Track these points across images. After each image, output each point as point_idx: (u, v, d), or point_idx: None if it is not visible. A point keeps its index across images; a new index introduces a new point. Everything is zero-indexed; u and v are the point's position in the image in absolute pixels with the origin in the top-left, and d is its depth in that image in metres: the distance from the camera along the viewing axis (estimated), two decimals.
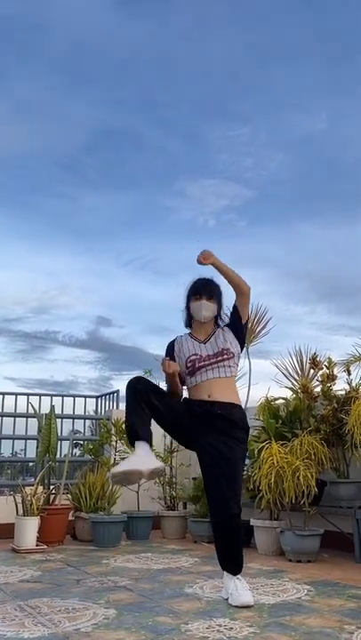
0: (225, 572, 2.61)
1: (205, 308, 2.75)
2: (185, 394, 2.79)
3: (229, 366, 2.70)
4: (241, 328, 2.79)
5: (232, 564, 2.59)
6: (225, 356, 2.68)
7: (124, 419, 4.89)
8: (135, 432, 2.53)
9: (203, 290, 2.77)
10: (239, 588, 2.51)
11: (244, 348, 4.87)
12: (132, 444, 2.57)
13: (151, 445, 2.55)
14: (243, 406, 2.80)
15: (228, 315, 2.84)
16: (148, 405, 2.54)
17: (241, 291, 2.73)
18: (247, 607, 2.44)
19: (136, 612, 2.38)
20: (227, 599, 2.56)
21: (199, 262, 2.69)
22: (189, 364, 2.70)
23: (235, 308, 2.79)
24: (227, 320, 2.86)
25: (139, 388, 2.57)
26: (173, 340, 2.84)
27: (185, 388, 2.78)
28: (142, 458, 2.45)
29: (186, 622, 2.23)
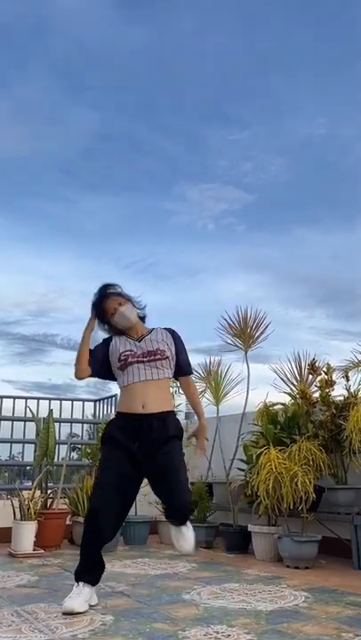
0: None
1: (128, 312, 2.70)
2: (119, 405, 2.73)
3: (163, 367, 2.65)
4: (181, 358, 2.76)
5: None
6: (158, 356, 2.64)
7: None
8: (79, 573, 2.55)
9: (109, 301, 2.72)
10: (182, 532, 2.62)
11: (245, 354, 4.89)
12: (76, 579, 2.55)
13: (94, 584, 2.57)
14: (174, 410, 2.77)
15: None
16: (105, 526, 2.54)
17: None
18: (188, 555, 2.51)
19: (133, 619, 2.37)
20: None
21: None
22: (122, 358, 2.65)
23: (180, 373, 2.79)
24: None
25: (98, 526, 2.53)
26: (111, 337, 2.78)
27: (119, 387, 2.72)
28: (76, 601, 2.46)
29: (183, 629, 2.22)
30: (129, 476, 2.57)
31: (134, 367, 2.64)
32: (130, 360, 2.65)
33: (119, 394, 2.76)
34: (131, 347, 2.70)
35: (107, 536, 2.55)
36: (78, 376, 2.73)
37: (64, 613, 2.41)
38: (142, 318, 2.82)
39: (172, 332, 2.79)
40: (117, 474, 2.55)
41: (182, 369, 2.77)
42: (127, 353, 2.67)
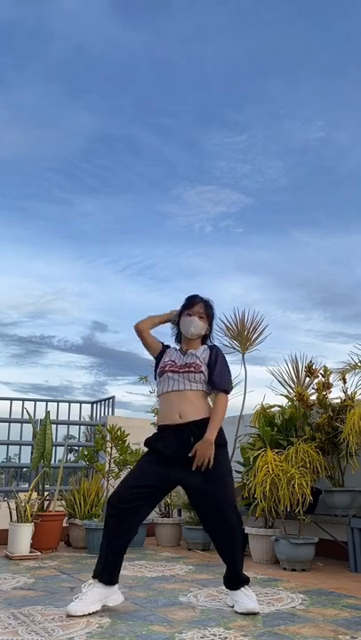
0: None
1: (194, 326, 2.77)
2: (158, 417, 2.77)
3: (196, 381, 2.67)
4: (212, 371, 2.73)
5: (237, 575, 2.61)
6: (192, 369, 2.68)
7: (118, 425, 4.91)
8: (97, 569, 2.54)
9: (196, 307, 2.79)
10: (245, 595, 2.54)
11: (242, 356, 4.90)
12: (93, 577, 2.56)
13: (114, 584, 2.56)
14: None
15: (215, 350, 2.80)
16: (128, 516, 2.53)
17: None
18: (253, 614, 2.46)
19: (130, 621, 2.37)
20: (232, 607, 2.58)
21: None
22: (161, 366, 2.75)
23: (213, 370, 2.74)
24: (216, 342, 2.91)
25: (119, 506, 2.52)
26: (168, 346, 2.89)
27: (158, 397, 2.79)
28: (85, 603, 2.46)
29: (180, 631, 2.22)
30: (158, 475, 2.57)
31: (169, 376, 2.69)
32: (167, 369, 2.71)
33: (159, 406, 2.79)
34: (174, 358, 2.76)
35: (127, 529, 2.55)
36: (136, 324, 2.86)
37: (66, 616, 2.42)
38: (204, 339, 2.85)
39: (211, 348, 2.81)
40: (148, 473, 2.57)
41: (213, 381, 2.72)
42: (169, 362, 2.74)
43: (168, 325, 2.95)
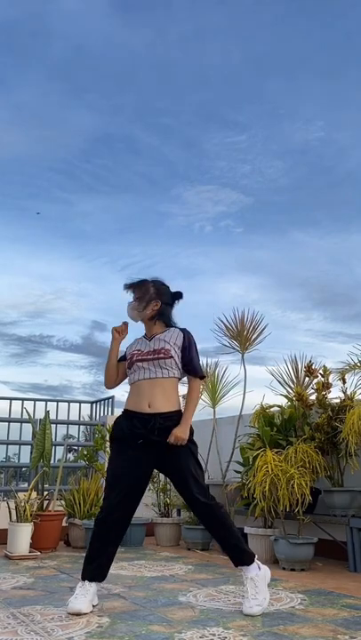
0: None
1: (129, 311, 2.76)
2: (126, 403, 2.74)
3: (167, 367, 2.65)
4: (186, 358, 2.72)
5: (240, 551, 2.60)
6: (162, 355, 2.64)
7: None
8: (83, 569, 2.58)
9: (129, 293, 2.78)
10: (252, 595, 2.53)
11: (241, 356, 4.90)
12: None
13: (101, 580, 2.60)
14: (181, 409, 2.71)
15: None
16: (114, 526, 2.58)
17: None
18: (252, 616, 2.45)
19: (130, 621, 2.37)
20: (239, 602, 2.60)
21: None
22: (128, 357, 2.73)
23: (187, 356, 2.73)
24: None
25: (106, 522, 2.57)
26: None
27: (128, 384, 2.76)
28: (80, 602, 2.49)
29: (179, 631, 2.22)
30: (136, 472, 2.59)
31: (139, 366, 2.67)
32: (135, 359, 2.69)
33: (128, 393, 2.76)
34: (140, 346, 2.74)
35: (115, 535, 2.60)
36: (108, 387, 2.84)
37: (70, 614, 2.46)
38: (164, 318, 2.78)
39: (184, 332, 2.76)
40: (124, 473, 2.58)
41: (185, 367, 2.72)
42: (134, 352, 2.72)
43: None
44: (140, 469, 2.62)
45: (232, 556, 2.61)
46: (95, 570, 2.56)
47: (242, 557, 2.59)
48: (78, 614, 2.44)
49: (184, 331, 2.77)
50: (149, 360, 2.65)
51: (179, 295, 2.85)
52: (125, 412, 2.71)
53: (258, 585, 2.55)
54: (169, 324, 2.80)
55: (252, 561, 2.59)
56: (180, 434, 2.57)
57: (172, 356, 2.66)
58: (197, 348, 2.77)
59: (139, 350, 2.72)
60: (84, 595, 2.51)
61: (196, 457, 2.66)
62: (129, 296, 2.79)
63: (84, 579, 2.56)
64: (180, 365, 2.70)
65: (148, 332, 2.78)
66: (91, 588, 2.55)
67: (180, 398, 2.77)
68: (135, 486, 2.62)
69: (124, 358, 2.81)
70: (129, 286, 2.78)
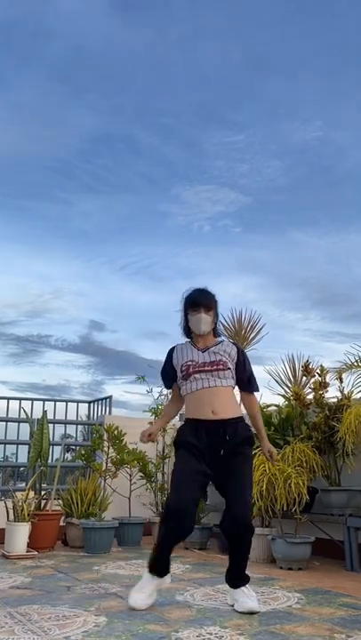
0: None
1: (204, 322, 2.74)
2: (183, 411, 2.79)
3: (225, 377, 2.68)
4: (244, 373, 2.79)
5: (243, 574, 2.65)
6: (220, 367, 2.68)
7: (116, 424, 4.90)
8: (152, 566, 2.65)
9: (200, 302, 2.76)
10: (246, 594, 2.55)
11: None
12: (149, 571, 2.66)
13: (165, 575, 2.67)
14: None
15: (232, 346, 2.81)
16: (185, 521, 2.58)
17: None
18: (253, 613, 2.47)
19: (127, 620, 2.37)
20: (232, 606, 2.59)
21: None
22: (183, 369, 2.72)
23: (245, 372, 2.79)
24: (221, 331, 2.96)
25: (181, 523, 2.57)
26: (173, 348, 2.84)
27: (183, 395, 2.77)
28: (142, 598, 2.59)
29: (176, 630, 2.22)
30: (201, 472, 2.60)
31: (196, 377, 2.68)
32: (191, 370, 2.70)
33: (185, 402, 2.78)
34: (193, 356, 2.74)
35: (187, 532, 2.63)
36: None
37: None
38: (215, 331, 2.85)
39: (238, 346, 2.82)
40: (193, 472, 2.60)
41: (243, 384, 2.79)
42: (188, 363, 2.72)
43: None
44: (205, 479, 2.64)
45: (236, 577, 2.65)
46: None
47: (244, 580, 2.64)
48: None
49: (236, 344, 2.84)
50: (207, 371, 2.68)
51: None
52: (188, 420, 2.72)
53: (249, 588, 2.62)
54: (217, 334, 2.87)
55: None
56: (273, 449, 2.78)
57: (229, 368, 2.70)
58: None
59: (193, 361, 2.72)
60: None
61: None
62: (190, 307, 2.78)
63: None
64: (234, 376, 2.74)
65: (202, 343, 2.79)
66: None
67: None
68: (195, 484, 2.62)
69: (172, 373, 2.81)
70: (203, 295, 2.79)
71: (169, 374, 2.83)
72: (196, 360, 2.71)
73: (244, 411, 2.81)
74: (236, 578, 2.63)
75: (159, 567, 2.62)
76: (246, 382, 2.79)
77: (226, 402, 2.65)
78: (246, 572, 2.66)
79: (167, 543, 2.61)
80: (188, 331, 2.85)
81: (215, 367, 2.67)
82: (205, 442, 2.59)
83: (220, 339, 2.85)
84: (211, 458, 2.59)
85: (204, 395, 2.65)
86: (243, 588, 2.60)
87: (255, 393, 2.84)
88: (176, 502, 2.54)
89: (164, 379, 2.90)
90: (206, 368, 2.67)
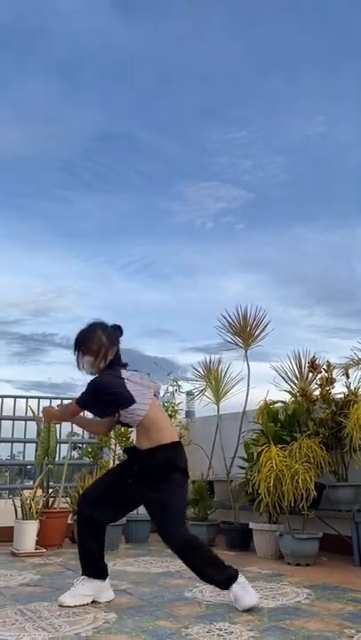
0: None
1: (86, 366, 2.66)
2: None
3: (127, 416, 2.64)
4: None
5: (213, 583, 2.59)
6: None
7: None
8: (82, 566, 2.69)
9: (78, 355, 2.67)
10: (239, 592, 2.52)
11: (245, 352, 4.90)
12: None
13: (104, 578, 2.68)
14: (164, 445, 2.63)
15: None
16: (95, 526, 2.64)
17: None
18: (250, 609, 2.45)
19: (136, 616, 2.39)
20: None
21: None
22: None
23: None
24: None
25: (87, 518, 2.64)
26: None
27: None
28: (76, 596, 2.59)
29: (186, 626, 2.23)
30: (129, 485, 2.65)
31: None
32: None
33: None
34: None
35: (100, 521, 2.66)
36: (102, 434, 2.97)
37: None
38: (113, 365, 2.70)
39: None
40: (119, 475, 2.67)
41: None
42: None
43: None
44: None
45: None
46: None
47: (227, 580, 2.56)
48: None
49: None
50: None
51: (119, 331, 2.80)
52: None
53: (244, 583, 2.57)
54: (116, 364, 2.74)
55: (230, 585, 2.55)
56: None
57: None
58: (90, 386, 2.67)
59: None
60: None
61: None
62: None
63: None
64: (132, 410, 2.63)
65: None
66: None
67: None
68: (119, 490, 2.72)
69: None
70: (76, 347, 2.68)
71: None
72: None
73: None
74: (217, 584, 2.57)
75: (89, 567, 2.67)
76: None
77: (140, 436, 2.68)
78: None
79: (82, 536, 2.66)
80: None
81: None
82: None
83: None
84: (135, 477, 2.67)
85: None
86: (234, 585, 2.51)
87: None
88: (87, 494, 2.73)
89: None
90: None
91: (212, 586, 2.61)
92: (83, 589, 2.60)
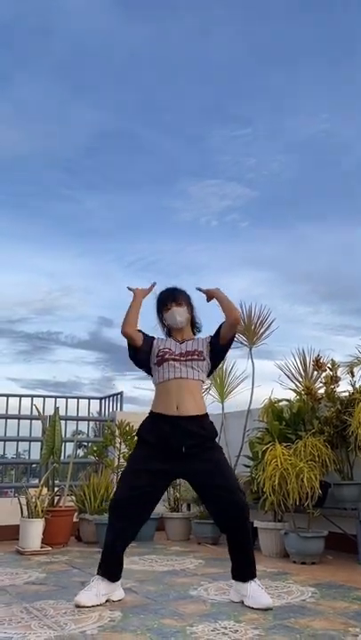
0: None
1: (178, 314, 2.81)
2: (153, 405, 2.75)
3: (198, 369, 2.71)
4: (218, 353, 2.82)
5: (250, 562, 2.62)
6: (195, 357, 2.71)
7: (128, 420, 4.92)
8: (100, 566, 2.65)
9: (167, 299, 2.85)
10: (258, 590, 2.53)
11: (249, 350, 4.90)
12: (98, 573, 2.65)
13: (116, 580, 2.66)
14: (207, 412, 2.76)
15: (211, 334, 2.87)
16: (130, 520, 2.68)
17: (229, 317, 2.78)
18: (268, 609, 2.44)
19: (141, 615, 2.39)
20: (241, 602, 2.57)
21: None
22: (160, 354, 2.74)
23: (219, 329, 2.83)
24: (204, 330, 2.95)
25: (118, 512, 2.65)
26: (154, 337, 2.87)
27: (154, 384, 2.77)
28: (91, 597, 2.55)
29: (191, 625, 2.23)
30: (152, 472, 2.60)
31: (170, 364, 2.70)
32: (167, 357, 2.72)
33: (154, 392, 2.79)
34: (170, 346, 2.78)
35: (127, 533, 2.70)
36: (125, 329, 2.78)
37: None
38: (194, 327, 2.92)
39: (210, 342, 2.86)
40: (143, 473, 2.61)
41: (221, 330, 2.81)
42: (165, 350, 2.76)
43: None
44: (163, 482, 2.70)
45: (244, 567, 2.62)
46: None
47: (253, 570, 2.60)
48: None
49: (205, 338, 2.89)
50: (182, 360, 2.71)
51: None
52: (151, 414, 2.73)
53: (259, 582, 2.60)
54: (196, 331, 2.93)
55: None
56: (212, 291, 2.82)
57: (204, 358, 2.74)
58: None
59: (169, 349, 2.76)
60: None
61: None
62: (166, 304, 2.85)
63: None
64: (207, 369, 2.78)
65: (179, 336, 2.85)
66: None
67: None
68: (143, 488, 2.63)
69: (147, 351, 2.80)
70: (170, 294, 2.86)
71: (143, 349, 2.80)
72: (173, 350, 2.75)
73: (206, 410, 2.78)
74: (246, 567, 2.59)
75: (108, 569, 2.63)
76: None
77: (192, 398, 2.66)
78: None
79: (113, 540, 2.65)
80: (168, 333, 2.91)
81: (190, 357, 2.71)
82: (165, 438, 2.59)
83: (198, 335, 2.92)
84: (172, 455, 2.58)
85: (172, 387, 2.66)
86: (253, 582, 2.56)
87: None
88: (117, 498, 2.65)
89: (134, 357, 2.83)
90: (181, 358, 2.71)
91: (238, 569, 2.62)
92: (100, 589, 2.59)
